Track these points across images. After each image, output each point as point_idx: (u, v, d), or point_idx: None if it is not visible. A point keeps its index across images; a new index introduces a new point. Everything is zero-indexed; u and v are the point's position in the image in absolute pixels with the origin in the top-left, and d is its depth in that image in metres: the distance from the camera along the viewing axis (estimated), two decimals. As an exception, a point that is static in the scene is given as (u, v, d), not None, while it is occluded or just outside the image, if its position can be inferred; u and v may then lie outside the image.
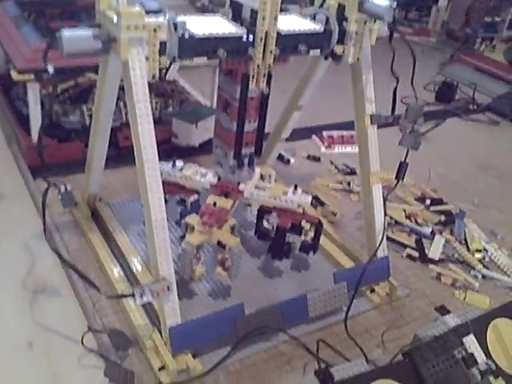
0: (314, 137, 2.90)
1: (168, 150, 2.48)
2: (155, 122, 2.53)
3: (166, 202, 1.93)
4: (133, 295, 1.41)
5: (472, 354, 1.48)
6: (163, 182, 1.88)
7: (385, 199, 1.82)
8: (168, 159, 1.88)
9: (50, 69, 1.37)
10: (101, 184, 2.07)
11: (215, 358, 1.55)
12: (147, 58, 1.38)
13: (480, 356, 1.49)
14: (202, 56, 1.47)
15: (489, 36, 4.37)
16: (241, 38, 1.49)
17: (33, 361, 1.50)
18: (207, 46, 1.45)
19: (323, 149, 2.80)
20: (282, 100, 2.14)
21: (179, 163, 1.89)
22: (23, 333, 1.58)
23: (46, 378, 1.45)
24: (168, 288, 1.43)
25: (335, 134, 2.86)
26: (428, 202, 2.40)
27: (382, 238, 1.78)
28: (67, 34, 1.33)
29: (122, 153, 2.39)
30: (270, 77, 1.61)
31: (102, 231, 1.98)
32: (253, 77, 1.58)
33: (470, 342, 1.50)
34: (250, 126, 1.70)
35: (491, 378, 1.45)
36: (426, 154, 2.82)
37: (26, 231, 1.96)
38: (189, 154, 2.47)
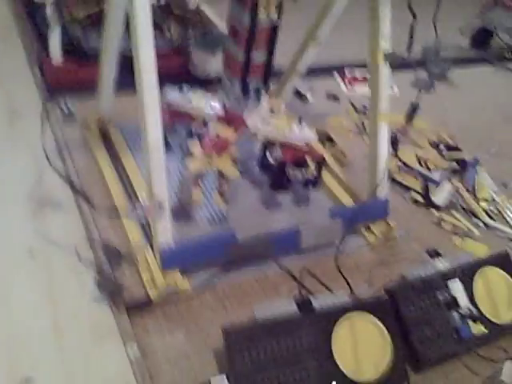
0: (335, 74, 2.82)
1: (186, 80, 2.47)
2: (175, 51, 2.55)
3: (175, 130, 1.96)
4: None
5: (455, 298, 1.49)
6: (170, 110, 1.90)
7: (393, 141, 1.77)
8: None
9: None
10: (114, 109, 2.09)
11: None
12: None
13: (463, 300, 1.50)
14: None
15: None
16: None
17: (32, 268, 1.58)
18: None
19: (344, 88, 2.74)
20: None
21: (186, 89, 1.88)
22: (25, 241, 1.65)
23: (42, 285, 1.53)
24: (159, 206, 1.46)
25: (358, 74, 2.79)
26: (442, 147, 2.35)
27: (383, 177, 1.77)
28: None
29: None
30: (281, 8, 1.56)
31: (109, 152, 2.02)
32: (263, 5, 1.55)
33: (455, 285, 1.51)
34: (258, 56, 1.68)
35: (470, 322, 1.46)
36: (450, 99, 2.74)
37: (38, 147, 2.01)
38: (206, 83, 2.44)
